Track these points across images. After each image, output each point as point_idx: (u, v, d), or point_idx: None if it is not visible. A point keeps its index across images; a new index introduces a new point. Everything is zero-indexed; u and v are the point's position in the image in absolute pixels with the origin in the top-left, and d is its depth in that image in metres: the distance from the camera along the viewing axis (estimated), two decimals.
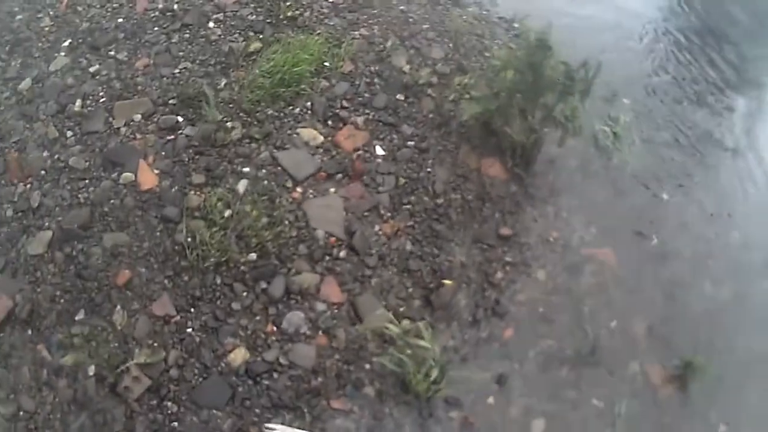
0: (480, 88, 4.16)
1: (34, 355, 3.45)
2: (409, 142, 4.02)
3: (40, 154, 3.92)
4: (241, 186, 3.70)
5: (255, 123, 3.91)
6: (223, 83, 4.06)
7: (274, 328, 3.41)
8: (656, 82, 4.93)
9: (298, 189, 3.74)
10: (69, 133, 3.96)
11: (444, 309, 3.60)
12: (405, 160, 3.95)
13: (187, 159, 3.79)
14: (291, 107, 3.99)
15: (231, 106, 3.96)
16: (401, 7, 4.70)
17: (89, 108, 4.02)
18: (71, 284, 3.55)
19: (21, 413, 3.34)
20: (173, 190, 3.69)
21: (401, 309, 3.54)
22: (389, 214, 3.78)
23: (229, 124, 3.89)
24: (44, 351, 3.45)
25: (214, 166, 3.75)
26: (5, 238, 3.71)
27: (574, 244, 3.93)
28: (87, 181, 3.76)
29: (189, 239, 3.55)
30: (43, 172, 3.85)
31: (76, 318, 3.47)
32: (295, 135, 3.90)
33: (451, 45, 4.51)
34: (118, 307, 3.46)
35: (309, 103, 4.02)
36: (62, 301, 3.54)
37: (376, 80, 4.20)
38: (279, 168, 3.78)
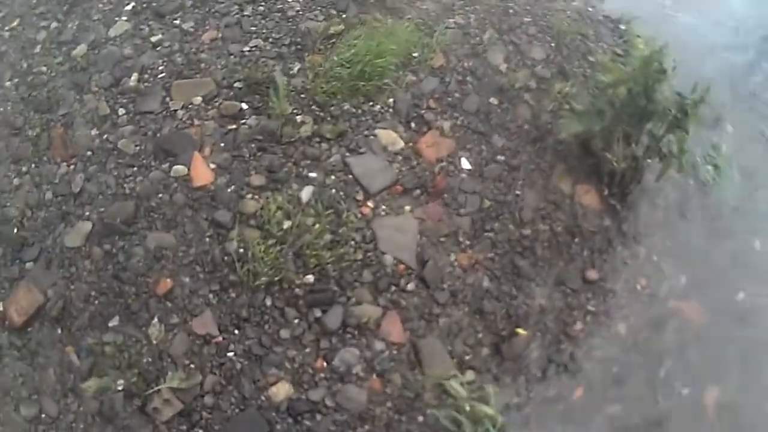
0: (582, 98, 3.40)
1: (62, 358, 2.97)
2: (500, 157, 3.30)
3: (87, 132, 3.32)
4: (305, 194, 3.04)
5: (328, 119, 3.22)
6: (296, 68, 3.35)
7: (324, 364, 2.83)
8: (761, 103, 4.08)
9: (369, 203, 3.07)
10: (121, 111, 3.33)
11: (513, 361, 2.99)
12: (493, 177, 3.23)
13: (247, 155, 3.13)
14: (371, 104, 3.28)
15: (303, 96, 3.27)
16: None
17: (146, 84, 3.36)
18: (107, 286, 3.01)
19: (42, 416, 2.91)
20: (229, 190, 3.06)
21: (467, 357, 2.94)
22: (468, 243, 3.10)
23: (298, 118, 3.20)
24: (73, 354, 2.97)
25: (277, 166, 3.08)
26: (42, 224, 3.17)
27: (662, 294, 3.28)
28: (135, 168, 3.16)
29: (241, 250, 2.94)
30: (89, 152, 3.26)
31: (110, 324, 2.95)
32: (372, 137, 3.21)
33: (553, 44, 3.71)
34: (156, 319, 2.91)
35: (391, 100, 3.31)
36: (96, 303, 3.00)
37: (468, 78, 3.45)
38: (350, 176, 3.10)
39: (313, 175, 3.10)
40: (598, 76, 3.47)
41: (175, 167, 3.13)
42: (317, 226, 2.97)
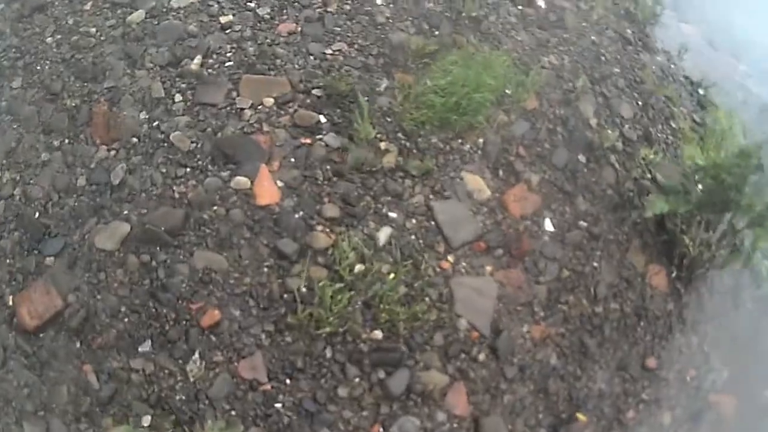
0: (664, 170, 3.21)
1: (78, 376, 2.55)
2: (582, 222, 3.07)
3: (135, 114, 2.85)
4: (383, 235, 2.71)
5: (414, 152, 2.89)
6: (383, 86, 2.97)
7: (381, 430, 2.51)
8: None
9: (450, 258, 2.77)
10: (178, 97, 2.87)
11: None
12: (573, 245, 3.01)
13: (321, 178, 2.76)
14: (460, 141, 2.96)
15: (389, 120, 2.90)
16: (593, 38, 3.62)
17: (210, 70, 2.90)
18: (141, 303, 2.59)
19: None
20: (296, 216, 2.68)
21: None
22: (542, 314, 2.88)
23: (382, 145, 2.86)
24: (92, 375, 2.55)
25: (354, 198, 2.73)
26: (69, 214, 2.72)
27: (706, 386, 3.20)
28: (188, 170, 2.73)
29: (304, 289, 2.57)
30: (134, 139, 2.81)
31: (140, 349, 2.55)
32: (458, 180, 2.90)
33: (639, 103, 3.49)
34: (197, 353, 2.52)
35: (481, 141, 3.00)
36: (126, 321, 2.59)
37: (559, 129, 3.20)
38: (432, 222, 2.79)
39: (393, 215, 2.76)
40: (679, 145, 3.37)
41: (237, 178, 2.72)
42: (392, 275, 2.65)
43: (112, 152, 2.78)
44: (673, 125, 3.53)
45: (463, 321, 2.70)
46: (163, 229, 2.63)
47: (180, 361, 2.51)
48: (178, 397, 2.47)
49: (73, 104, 2.90)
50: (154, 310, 2.56)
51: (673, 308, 3.18)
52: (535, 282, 2.88)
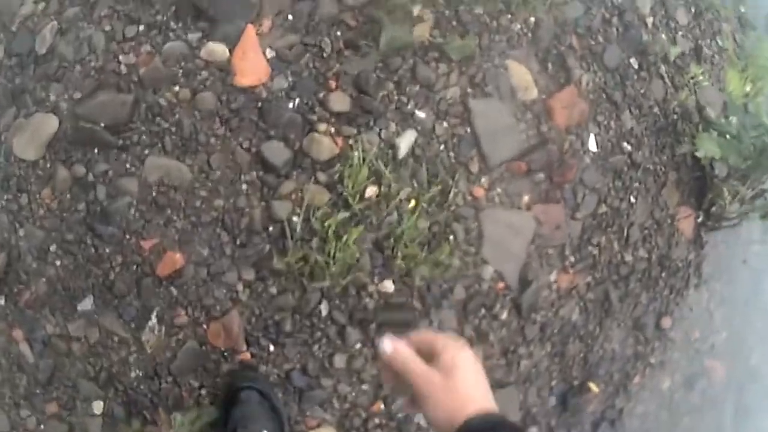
0: (709, 95, 2.78)
1: (8, 346, 1.93)
2: (625, 145, 2.56)
3: None
4: (405, 143, 2.04)
5: (454, 24, 2.15)
6: None
7: (382, 407, 2.06)
8: None
9: (484, 181, 2.17)
10: None
11: (572, 414, 2.52)
12: (614, 172, 2.51)
13: (329, 49, 1.99)
14: (509, 18, 2.27)
15: None
16: None
17: None
18: (76, 239, 1.87)
19: None
20: (291, 106, 1.93)
21: (534, 409, 2.39)
22: (572, 259, 2.41)
23: (415, 10, 2.06)
24: (24, 344, 1.92)
25: (372, 85, 2.02)
26: None
27: (704, 349, 3.02)
28: (141, 28, 1.88)
29: (297, 218, 1.89)
30: None
31: (79, 307, 1.88)
32: (502, 71, 2.23)
33: (693, 10, 2.95)
34: (153, 315, 1.85)
35: (532, 20, 2.32)
36: (58, 265, 1.87)
37: (614, 20, 2.59)
38: (468, 130, 2.13)
39: (420, 114, 2.07)
40: (723, 66, 2.94)
41: (210, 44, 1.90)
42: (413, 203, 2.01)
43: (41, 5, 1.93)
44: (720, 43, 3.05)
45: (490, 268, 2.17)
46: (102, 125, 1.81)
47: (132, 325, 1.88)
48: (133, 374, 1.88)
49: None
50: (93, 249, 1.86)
51: (693, 259, 2.87)
52: (571, 218, 2.39)
